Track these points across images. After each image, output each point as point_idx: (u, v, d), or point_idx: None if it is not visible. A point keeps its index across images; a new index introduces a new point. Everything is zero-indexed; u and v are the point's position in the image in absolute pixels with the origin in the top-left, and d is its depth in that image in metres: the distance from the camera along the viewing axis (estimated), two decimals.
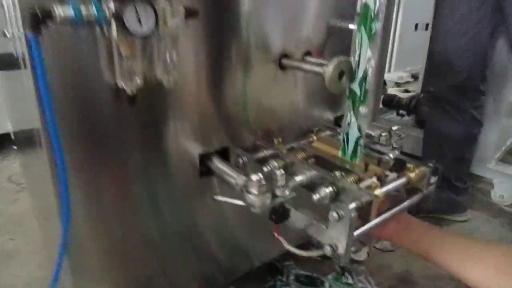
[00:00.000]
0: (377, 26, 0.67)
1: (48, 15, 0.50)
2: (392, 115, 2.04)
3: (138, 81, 0.60)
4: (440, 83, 1.30)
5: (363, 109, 0.73)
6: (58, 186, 0.60)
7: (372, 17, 0.67)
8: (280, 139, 0.83)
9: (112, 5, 0.53)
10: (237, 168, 0.75)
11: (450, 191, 1.37)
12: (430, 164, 0.75)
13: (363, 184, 0.67)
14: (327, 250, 0.64)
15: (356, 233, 0.65)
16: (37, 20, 0.50)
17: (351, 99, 0.74)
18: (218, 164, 0.77)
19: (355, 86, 0.72)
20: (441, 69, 1.27)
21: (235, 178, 0.71)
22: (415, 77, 2.81)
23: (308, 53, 0.87)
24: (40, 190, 0.87)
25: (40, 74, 0.53)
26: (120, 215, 0.72)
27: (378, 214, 0.71)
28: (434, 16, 1.28)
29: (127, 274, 0.77)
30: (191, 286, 0.90)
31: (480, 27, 1.16)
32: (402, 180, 0.72)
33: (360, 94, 0.72)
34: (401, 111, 1.95)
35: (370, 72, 0.71)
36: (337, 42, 0.90)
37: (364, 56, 0.70)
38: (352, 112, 0.75)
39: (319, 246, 0.68)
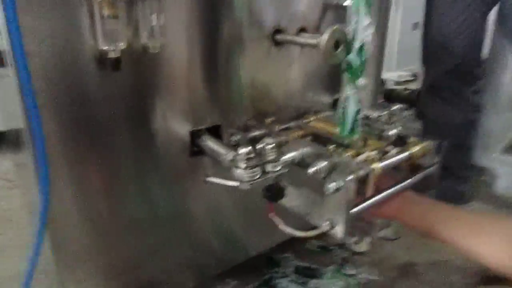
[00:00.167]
0: None
1: None
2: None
3: (122, 44, 0.56)
4: (435, 69, 1.28)
5: (361, 81, 0.70)
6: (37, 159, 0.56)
7: None
8: (272, 119, 0.80)
9: None
10: (228, 145, 0.71)
11: (452, 180, 1.33)
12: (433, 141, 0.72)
13: (360, 158, 0.64)
14: (325, 226, 0.61)
15: (355, 209, 0.61)
16: None
17: (348, 71, 0.71)
18: (208, 141, 0.73)
19: (352, 57, 0.69)
20: (435, 55, 1.24)
21: (224, 153, 0.67)
22: (415, 76, 2.79)
23: (303, 30, 0.84)
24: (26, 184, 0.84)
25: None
26: (105, 195, 0.68)
27: (379, 192, 0.67)
28: (425, 2, 1.26)
29: (113, 258, 0.73)
30: (183, 274, 0.86)
31: (472, 10, 1.14)
32: (403, 155, 0.69)
33: (358, 65, 0.69)
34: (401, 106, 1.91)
35: (367, 41, 0.68)
36: (332, 20, 0.87)
37: (361, 24, 0.67)
38: (350, 84, 0.71)
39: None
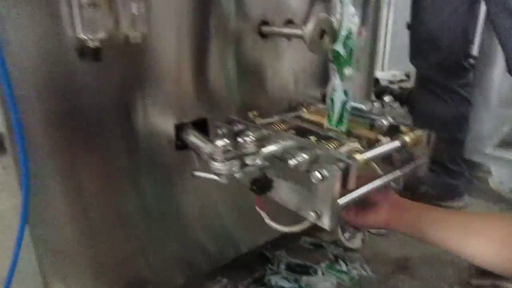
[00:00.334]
0: None
1: None
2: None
3: (102, 33, 0.55)
4: (423, 63, 1.28)
5: (348, 71, 0.69)
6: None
7: None
8: (256, 113, 0.79)
9: None
10: (207, 138, 0.70)
11: (445, 175, 1.33)
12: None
13: (343, 149, 0.63)
14: (311, 216, 0.59)
15: (341, 200, 0.60)
16: None
17: (335, 61, 0.70)
18: (190, 135, 0.72)
19: (339, 46, 0.68)
20: (423, 48, 1.24)
21: (203, 146, 0.66)
22: (408, 75, 2.80)
23: (290, 22, 0.83)
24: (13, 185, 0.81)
25: None
26: (91, 189, 0.67)
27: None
28: None
29: (100, 255, 0.72)
30: (172, 271, 0.84)
31: (458, 2, 1.14)
32: (395, 144, 0.67)
33: (345, 54, 0.68)
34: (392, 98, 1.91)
35: (354, 30, 0.67)
36: (320, 12, 0.86)
37: (347, 12, 0.66)
38: (337, 74, 0.70)
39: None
